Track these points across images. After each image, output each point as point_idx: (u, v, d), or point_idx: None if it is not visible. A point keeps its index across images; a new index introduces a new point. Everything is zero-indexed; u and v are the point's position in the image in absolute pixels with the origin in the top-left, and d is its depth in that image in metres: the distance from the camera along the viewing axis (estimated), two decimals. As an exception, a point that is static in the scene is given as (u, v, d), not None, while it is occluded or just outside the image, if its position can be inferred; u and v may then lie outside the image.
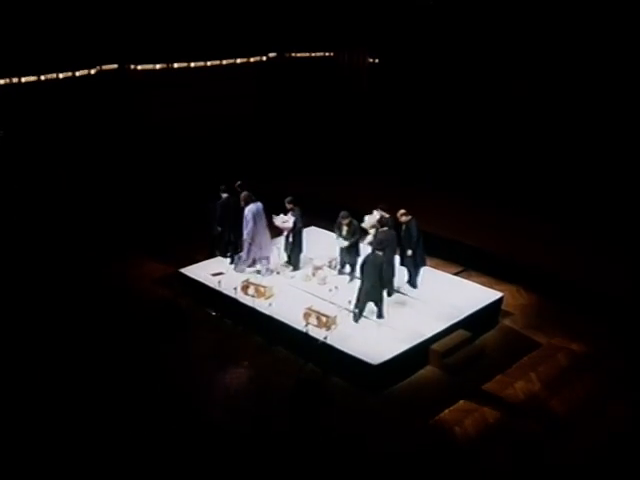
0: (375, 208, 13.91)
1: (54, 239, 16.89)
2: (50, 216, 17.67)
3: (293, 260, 14.56)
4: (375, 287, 12.40)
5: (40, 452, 9.84)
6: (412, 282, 13.86)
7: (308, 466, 9.78)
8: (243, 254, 14.50)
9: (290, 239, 14.46)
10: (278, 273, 14.38)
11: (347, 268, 14.24)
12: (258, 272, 14.17)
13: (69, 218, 17.86)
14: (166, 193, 19.34)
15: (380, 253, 12.47)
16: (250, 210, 14.18)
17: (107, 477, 9.44)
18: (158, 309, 13.47)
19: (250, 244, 14.30)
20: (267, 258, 14.49)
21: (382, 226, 13.48)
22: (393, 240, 13.32)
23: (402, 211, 13.74)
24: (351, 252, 14.07)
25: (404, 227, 13.63)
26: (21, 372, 11.77)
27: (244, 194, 14.34)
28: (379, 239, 12.93)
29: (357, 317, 12.53)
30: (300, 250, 14.64)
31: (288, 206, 14.36)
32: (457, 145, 21.20)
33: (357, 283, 13.40)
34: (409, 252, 13.51)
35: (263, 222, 14.40)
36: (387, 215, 13.71)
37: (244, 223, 14.24)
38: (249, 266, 14.37)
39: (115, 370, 11.87)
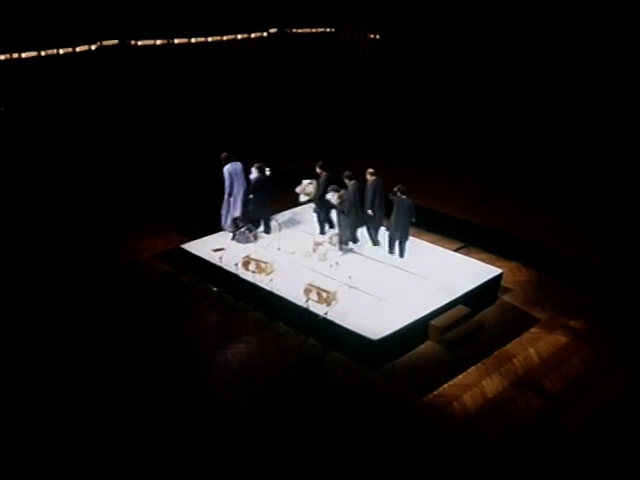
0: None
1: (55, 215, 16.92)
2: (50, 192, 17.69)
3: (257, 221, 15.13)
4: (405, 227, 13.69)
5: (37, 424, 9.95)
6: (373, 240, 14.54)
7: (307, 441, 9.89)
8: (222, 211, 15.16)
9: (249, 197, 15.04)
10: (255, 238, 14.65)
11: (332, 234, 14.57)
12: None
13: (69, 194, 17.87)
14: (167, 169, 19.31)
15: (404, 196, 13.55)
16: (227, 169, 14.84)
17: (107, 453, 9.52)
18: (158, 284, 13.51)
19: (227, 201, 15.00)
20: (238, 218, 14.94)
21: (350, 179, 14.16)
22: (359, 190, 14.07)
23: (370, 170, 14.34)
24: (322, 209, 14.79)
25: (367, 186, 14.27)
26: (20, 347, 11.83)
27: (224, 154, 14.97)
28: (351, 191, 13.94)
29: (401, 253, 13.97)
30: (258, 212, 14.99)
31: (255, 166, 14.86)
32: (458, 121, 21.16)
33: (354, 257, 13.93)
34: (369, 212, 14.14)
35: (240, 181, 14.88)
36: (326, 173, 14.61)
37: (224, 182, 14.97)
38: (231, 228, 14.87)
39: (115, 345, 11.93)
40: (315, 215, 15.21)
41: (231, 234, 14.78)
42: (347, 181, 14.19)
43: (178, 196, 17.78)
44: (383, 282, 12.99)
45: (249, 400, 10.60)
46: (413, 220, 13.87)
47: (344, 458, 9.52)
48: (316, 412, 10.43)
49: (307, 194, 14.94)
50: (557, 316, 13.17)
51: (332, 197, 14.03)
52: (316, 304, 11.98)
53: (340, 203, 13.96)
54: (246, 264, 13.25)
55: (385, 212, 14.46)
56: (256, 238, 14.63)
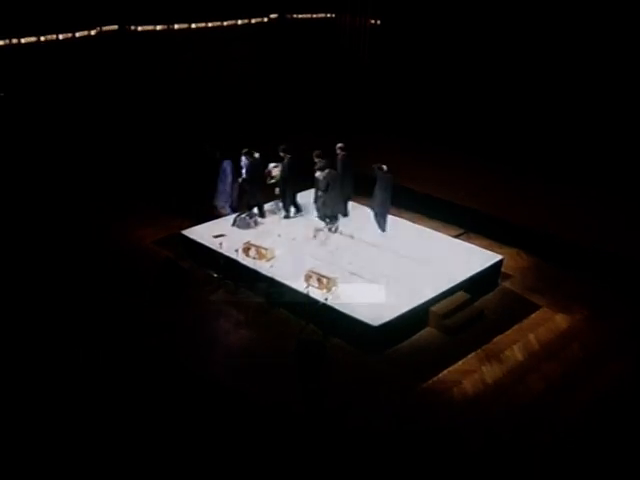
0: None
1: (54, 201, 16.94)
2: (50, 178, 17.72)
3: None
4: (385, 201, 14.16)
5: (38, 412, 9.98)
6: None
7: (306, 427, 9.95)
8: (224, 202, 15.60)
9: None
10: (256, 224, 14.71)
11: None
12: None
13: (68, 180, 17.89)
14: (167, 156, 19.28)
15: (389, 174, 14.04)
16: (229, 163, 15.36)
17: (108, 438, 9.57)
18: (159, 270, 13.52)
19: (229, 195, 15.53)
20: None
21: (320, 158, 14.51)
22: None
23: (339, 145, 15.00)
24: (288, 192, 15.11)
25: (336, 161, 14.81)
26: (19, 337, 11.82)
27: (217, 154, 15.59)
28: (322, 164, 14.30)
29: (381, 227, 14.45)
30: (255, 197, 15.06)
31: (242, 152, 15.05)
32: (460, 107, 21.09)
33: (354, 243, 14.04)
34: None
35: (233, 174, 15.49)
36: (289, 156, 14.81)
37: (223, 175, 15.45)
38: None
39: (115, 330, 12.01)
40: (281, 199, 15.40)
41: (232, 220, 14.86)
42: (317, 160, 14.40)
43: (176, 182, 17.81)
44: (384, 268, 13.00)
45: (249, 386, 10.64)
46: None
47: (344, 449, 9.58)
48: (316, 401, 10.48)
49: (272, 177, 15.10)
50: (557, 302, 13.20)
51: (319, 176, 14.34)
52: (317, 290, 12.04)
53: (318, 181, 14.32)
54: (246, 250, 13.27)
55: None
56: (256, 224, 14.66)
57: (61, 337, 11.75)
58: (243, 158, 14.89)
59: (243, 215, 14.71)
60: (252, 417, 9.99)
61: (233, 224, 14.70)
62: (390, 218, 14.69)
